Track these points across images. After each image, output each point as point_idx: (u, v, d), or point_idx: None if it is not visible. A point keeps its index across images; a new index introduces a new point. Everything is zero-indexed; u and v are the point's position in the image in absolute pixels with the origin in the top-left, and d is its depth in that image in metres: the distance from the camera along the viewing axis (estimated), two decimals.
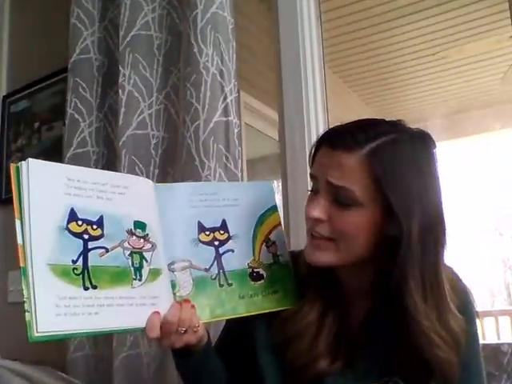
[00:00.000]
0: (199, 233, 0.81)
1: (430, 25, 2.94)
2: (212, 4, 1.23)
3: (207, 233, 0.82)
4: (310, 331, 0.77)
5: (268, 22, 1.46)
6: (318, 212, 0.73)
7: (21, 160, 0.67)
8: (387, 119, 0.77)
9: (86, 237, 0.68)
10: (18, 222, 0.64)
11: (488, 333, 3.86)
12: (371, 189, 0.70)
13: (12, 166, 0.66)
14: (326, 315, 0.78)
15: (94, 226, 0.69)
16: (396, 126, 0.75)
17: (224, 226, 0.84)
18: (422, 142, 0.74)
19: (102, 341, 1.34)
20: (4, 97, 1.94)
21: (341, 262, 0.75)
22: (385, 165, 0.69)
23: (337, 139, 0.73)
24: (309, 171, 0.81)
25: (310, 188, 0.80)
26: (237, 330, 0.87)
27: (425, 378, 0.72)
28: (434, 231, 0.71)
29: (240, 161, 1.22)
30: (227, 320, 0.90)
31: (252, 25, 2.34)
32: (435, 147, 0.75)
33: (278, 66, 1.36)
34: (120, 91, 1.32)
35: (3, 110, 1.92)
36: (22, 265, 0.62)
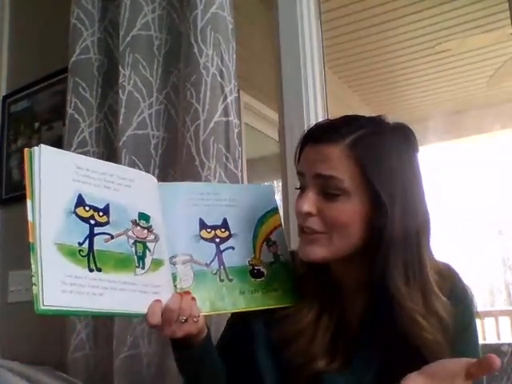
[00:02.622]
0: (200, 229, 0.82)
1: (430, 25, 2.94)
2: (212, 4, 1.24)
3: (208, 230, 0.83)
4: (308, 331, 0.77)
5: (268, 21, 1.46)
6: (307, 206, 0.75)
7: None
8: (367, 115, 0.80)
9: (92, 222, 0.71)
10: (29, 202, 0.66)
11: (488, 333, 3.86)
12: (357, 177, 0.72)
13: (25, 151, 0.69)
14: (324, 314, 0.79)
15: (101, 213, 0.72)
16: (376, 120, 0.78)
17: (225, 225, 0.85)
18: (401, 133, 0.77)
19: (102, 341, 1.34)
20: (4, 97, 1.94)
21: (334, 255, 0.75)
22: (367, 152, 0.72)
23: (320, 134, 0.76)
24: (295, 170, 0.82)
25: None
26: (237, 329, 0.87)
27: None
28: (415, 218, 0.73)
29: (240, 161, 1.22)
30: (228, 319, 0.91)
31: (252, 25, 2.34)
32: (415, 138, 0.77)
33: (278, 66, 1.36)
34: (120, 91, 1.32)
35: (3, 110, 1.92)
36: (31, 240, 0.64)
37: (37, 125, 1.79)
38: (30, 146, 0.69)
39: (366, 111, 3.96)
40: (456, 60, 3.40)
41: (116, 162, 1.32)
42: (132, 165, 1.29)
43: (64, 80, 1.57)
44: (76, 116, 1.43)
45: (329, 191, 0.73)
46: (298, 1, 1.37)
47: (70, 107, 1.43)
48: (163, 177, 1.31)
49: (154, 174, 1.30)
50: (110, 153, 1.42)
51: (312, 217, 0.75)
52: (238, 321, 0.85)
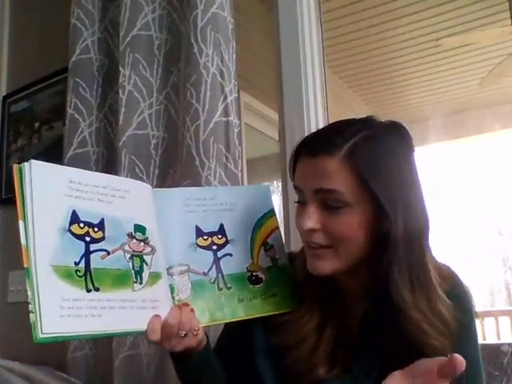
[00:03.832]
0: (197, 237, 0.81)
1: (430, 25, 2.95)
2: (212, 4, 1.23)
3: (205, 237, 0.82)
4: (310, 339, 0.77)
5: (268, 22, 1.46)
6: (310, 223, 0.73)
7: (21, 160, 0.68)
8: (358, 118, 0.78)
9: (87, 239, 0.68)
10: (21, 223, 0.64)
11: (488, 333, 3.86)
12: (357, 187, 0.71)
13: (15, 167, 0.66)
14: (325, 322, 0.78)
15: (96, 229, 0.70)
16: (368, 123, 0.76)
17: (222, 231, 0.84)
18: (395, 132, 0.75)
19: (102, 341, 1.33)
20: (4, 97, 1.93)
21: (343, 267, 0.75)
22: (364, 161, 0.71)
23: (315, 147, 0.74)
24: (291, 183, 0.80)
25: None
26: (235, 332, 0.87)
27: None
28: (417, 221, 0.72)
29: (240, 161, 1.22)
30: (226, 323, 0.89)
31: (252, 25, 2.34)
32: (409, 136, 0.76)
33: (278, 66, 1.36)
34: (120, 91, 1.32)
35: (3, 110, 1.92)
36: (25, 265, 0.62)
37: (37, 125, 1.79)
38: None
39: (366, 111, 3.96)
40: (456, 60, 3.41)
41: (116, 162, 1.32)
42: (132, 165, 1.29)
43: (64, 80, 1.57)
44: (76, 116, 1.42)
45: (330, 204, 0.72)
46: (298, 1, 1.37)
47: (70, 107, 1.43)
48: (163, 177, 1.30)
49: (153, 174, 1.30)
50: (110, 153, 1.42)
51: (316, 232, 0.74)
52: (235, 325, 0.84)
